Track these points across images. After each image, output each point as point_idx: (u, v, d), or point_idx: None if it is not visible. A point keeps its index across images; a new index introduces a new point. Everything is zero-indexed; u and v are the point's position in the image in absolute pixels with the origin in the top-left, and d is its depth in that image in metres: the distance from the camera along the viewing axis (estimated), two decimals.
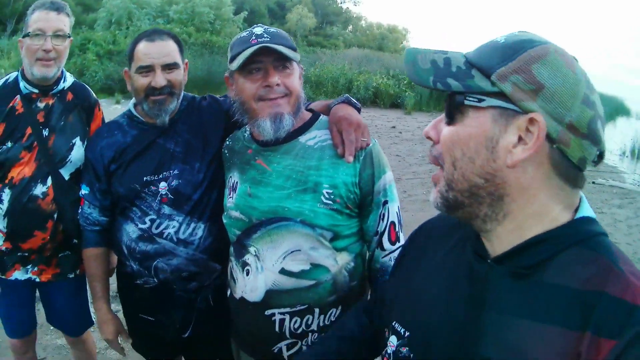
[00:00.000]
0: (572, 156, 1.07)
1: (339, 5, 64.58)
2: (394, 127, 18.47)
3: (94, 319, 3.14)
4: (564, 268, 1.06)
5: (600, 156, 1.11)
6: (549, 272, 1.07)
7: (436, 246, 1.38)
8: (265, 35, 2.04)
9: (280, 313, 2.07)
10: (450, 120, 1.15)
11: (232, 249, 2.26)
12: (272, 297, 2.07)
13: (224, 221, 2.26)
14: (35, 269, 2.96)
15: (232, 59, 2.07)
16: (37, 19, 2.78)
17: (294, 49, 2.09)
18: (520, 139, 1.06)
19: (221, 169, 2.42)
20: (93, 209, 2.62)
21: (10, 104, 2.83)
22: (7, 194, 2.82)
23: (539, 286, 1.07)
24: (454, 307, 1.21)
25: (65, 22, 2.83)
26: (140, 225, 2.48)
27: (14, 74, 2.95)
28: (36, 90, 2.86)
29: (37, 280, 3.00)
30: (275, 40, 2.02)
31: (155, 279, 2.51)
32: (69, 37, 2.86)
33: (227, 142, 2.41)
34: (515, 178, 1.09)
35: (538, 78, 1.05)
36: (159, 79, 2.40)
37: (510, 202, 1.11)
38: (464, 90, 1.10)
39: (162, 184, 2.45)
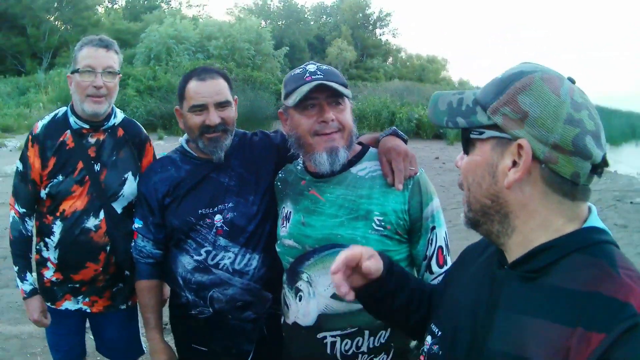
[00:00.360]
0: (563, 172, 1.19)
1: (378, 37, 65.00)
2: (437, 157, 18.39)
3: (144, 348, 3.22)
4: (567, 272, 1.17)
5: (599, 167, 1.20)
6: (553, 276, 1.18)
7: (471, 261, 1.53)
8: (318, 73, 2.14)
9: (332, 336, 2.13)
10: (465, 151, 1.35)
11: (285, 276, 2.32)
12: (324, 320, 2.14)
13: (277, 250, 2.34)
14: (87, 299, 3.00)
15: (287, 95, 2.18)
16: (86, 55, 2.82)
17: (346, 86, 2.18)
18: (514, 162, 1.21)
19: (273, 201, 2.52)
20: (147, 242, 2.66)
21: (61, 139, 2.88)
22: (58, 226, 2.88)
23: (544, 287, 1.19)
24: (476, 309, 1.33)
25: (114, 59, 2.88)
26: (196, 257, 2.54)
27: (62, 109, 3.00)
28: (87, 126, 2.90)
29: (88, 310, 3.03)
30: (329, 78, 2.12)
31: (210, 309, 2.55)
32: (119, 73, 2.91)
33: (280, 175, 2.50)
34: (515, 197, 1.24)
35: (522, 107, 1.19)
36: (213, 117, 2.46)
37: (515, 218, 1.26)
38: (467, 126, 1.29)
39: (218, 217, 2.52)
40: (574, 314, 1.10)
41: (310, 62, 2.26)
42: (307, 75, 2.14)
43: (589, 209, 1.27)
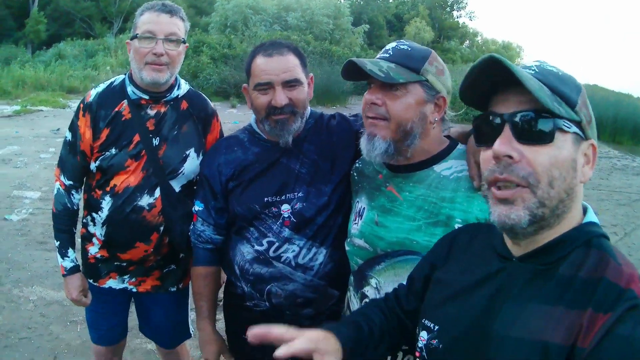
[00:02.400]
0: None
1: (455, 19, 64.38)
2: None
3: (192, 332, 3.15)
4: (574, 263, 1.27)
5: None
6: (563, 267, 1.28)
7: (460, 253, 1.58)
8: (390, 51, 1.99)
9: None
10: (537, 141, 1.27)
11: (351, 278, 2.19)
12: None
13: (347, 248, 2.19)
14: (134, 279, 2.91)
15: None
16: (147, 20, 2.66)
17: (417, 71, 1.94)
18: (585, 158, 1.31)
19: (348, 192, 2.36)
20: (207, 226, 2.54)
21: (116, 109, 2.74)
22: (107, 202, 2.76)
23: (554, 278, 1.27)
24: (477, 299, 1.39)
25: (179, 26, 2.70)
26: (257, 247, 2.40)
27: (120, 77, 2.86)
28: (146, 97, 2.75)
29: (134, 290, 2.94)
30: (395, 58, 1.95)
31: (267, 303, 2.42)
32: (184, 42, 2.73)
33: (357, 165, 2.33)
34: (579, 191, 1.32)
35: (590, 112, 1.33)
36: (280, 98, 2.28)
37: (568, 211, 1.31)
38: (567, 116, 1.27)
39: (285, 206, 2.36)
40: (585, 298, 1.20)
41: (402, 41, 2.05)
42: (383, 53, 1.99)
43: (585, 207, 1.39)
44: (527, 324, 1.25)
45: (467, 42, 63.39)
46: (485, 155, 1.34)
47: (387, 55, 1.95)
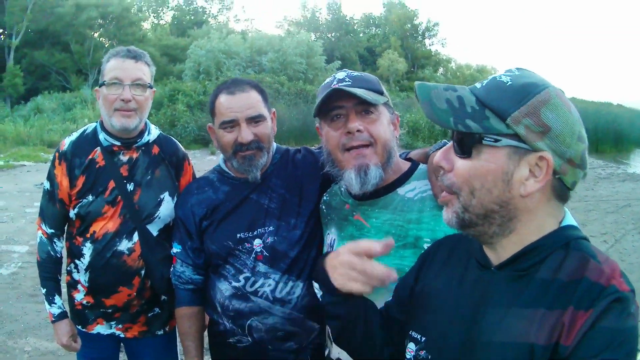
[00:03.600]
0: (567, 182, 1.32)
1: (428, 47, 64.63)
2: None
3: None
4: (553, 266, 1.29)
5: (584, 175, 1.35)
6: (542, 271, 1.29)
7: (442, 264, 1.59)
8: (347, 79, 2.02)
9: None
10: (466, 155, 1.33)
11: None
12: None
13: None
14: (120, 325, 2.89)
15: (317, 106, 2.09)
16: (113, 67, 2.72)
17: (380, 92, 2.04)
18: (530, 172, 1.28)
19: (319, 226, 2.40)
20: (186, 267, 2.57)
21: (90, 156, 2.79)
22: (88, 249, 2.78)
23: (532, 282, 1.29)
24: (461, 309, 1.41)
25: (144, 71, 2.75)
26: (234, 283, 2.44)
27: (92, 125, 2.92)
28: (118, 143, 2.79)
29: (122, 336, 2.92)
30: (357, 84, 1.99)
31: (249, 338, 2.44)
32: (150, 87, 2.76)
33: (325, 198, 2.38)
34: (524, 204, 1.31)
35: (545, 121, 1.26)
36: (245, 134, 2.35)
37: (517, 222, 1.33)
38: (483, 131, 1.28)
39: (257, 241, 2.41)
40: (566, 298, 1.23)
41: (344, 69, 2.14)
42: (335, 82, 2.02)
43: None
44: (510, 328, 1.28)
45: (441, 69, 63.71)
46: None
47: (348, 82, 1.99)
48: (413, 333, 1.54)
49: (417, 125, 23.89)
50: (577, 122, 1.29)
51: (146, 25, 53.10)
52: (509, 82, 1.30)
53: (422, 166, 2.12)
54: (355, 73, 2.07)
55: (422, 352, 1.49)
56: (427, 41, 64.95)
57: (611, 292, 1.19)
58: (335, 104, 1.97)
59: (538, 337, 1.23)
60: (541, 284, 1.28)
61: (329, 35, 54.65)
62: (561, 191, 1.33)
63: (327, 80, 2.09)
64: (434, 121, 1.33)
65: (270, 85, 26.49)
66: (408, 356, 1.54)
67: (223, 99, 2.37)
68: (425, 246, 1.89)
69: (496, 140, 1.27)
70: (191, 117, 23.37)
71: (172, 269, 2.63)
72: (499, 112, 1.27)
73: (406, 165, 2.12)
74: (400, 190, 2.03)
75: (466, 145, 1.32)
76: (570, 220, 1.37)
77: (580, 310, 1.19)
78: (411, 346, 1.53)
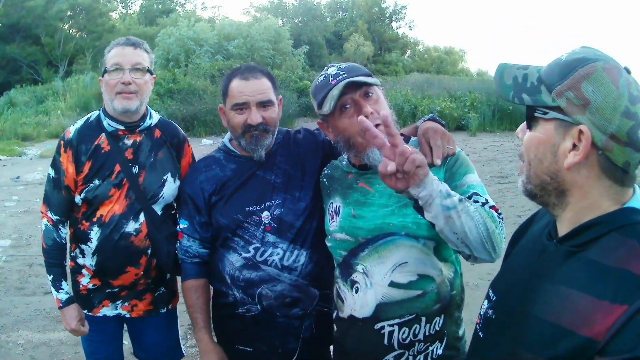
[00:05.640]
0: (616, 161, 1.28)
1: (395, 31, 63.82)
2: (461, 149, 18.18)
3: (184, 352, 3.26)
4: (604, 249, 1.26)
5: None
6: (592, 251, 1.28)
7: (529, 230, 1.65)
8: (341, 73, 2.19)
9: (390, 325, 2.16)
10: (529, 127, 1.42)
11: (337, 271, 2.38)
12: (382, 310, 2.17)
13: (328, 245, 2.40)
14: (126, 304, 3.00)
15: (320, 104, 2.24)
16: (114, 54, 2.85)
17: (370, 75, 2.23)
18: (574, 145, 1.30)
19: (319, 198, 2.57)
20: (193, 241, 2.70)
21: (96, 142, 2.89)
22: (96, 232, 2.87)
23: (583, 262, 1.29)
24: (525, 278, 1.44)
25: (143, 57, 2.89)
26: (244, 254, 2.58)
27: (95, 113, 3.01)
28: (122, 127, 2.91)
29: (127, 315, 3.03)
30: (353, 74, 2.18)
31: (258, 307, 2.58)
32: (150, 72, 2.89)
33: (326, 171, 2.56)
34: (572, 178, 1.33)
35: (585, 94, 1.27)
36: (255, 117, 2.51)
37: (570, 196, 1.35)
38: (533, 104, 1.37)
39: (265, 213, 2.57)
40: (604, 287, 1.21)
41: (330, 65, 2.30)
42: (331, 79, 2.19)
43: (634, 189, 1.35)
44: (552, 306, 1.29)
45: (409, 52, 63.06)
46: None
47: (343, 75, 2.18)
48: (490, 290, 1.60)
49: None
50: (622, 96, 1.25)
51: (114, 15, 52.28)
52: (564, 59, 1.34)
53: (413, 138, 2.35)
54: (343, 65, 2.27)
55: (490, 311, 1.55)
56: (394, 24, 64.19)
57: None
58: (343, 97, 2.16)
59: (568, 322, 1.23)
60: (587, 264, 1.27)
61: (296, 20, 54.00)
62: (613, 171, 1.29)
63: (321, 79, 2.26)
64: (499, 95, 1.44)
65: None
66: (481, 312, 1.60)
67: (237, 83, 2.55)
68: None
69: (545, 113, 1.34)
70: (161, 105, 23.17)
71: (178, 244, 2.74)
72: (548, 86, 1.33)
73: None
74: None
75: (527, 118, 1.41)
76: (636, 202, 1.32)
77: (615, 305, 1.16)
78: (485, 303, 1.59)
